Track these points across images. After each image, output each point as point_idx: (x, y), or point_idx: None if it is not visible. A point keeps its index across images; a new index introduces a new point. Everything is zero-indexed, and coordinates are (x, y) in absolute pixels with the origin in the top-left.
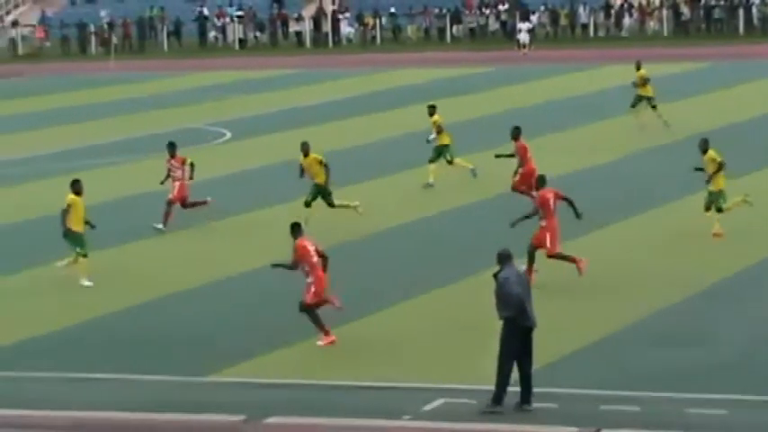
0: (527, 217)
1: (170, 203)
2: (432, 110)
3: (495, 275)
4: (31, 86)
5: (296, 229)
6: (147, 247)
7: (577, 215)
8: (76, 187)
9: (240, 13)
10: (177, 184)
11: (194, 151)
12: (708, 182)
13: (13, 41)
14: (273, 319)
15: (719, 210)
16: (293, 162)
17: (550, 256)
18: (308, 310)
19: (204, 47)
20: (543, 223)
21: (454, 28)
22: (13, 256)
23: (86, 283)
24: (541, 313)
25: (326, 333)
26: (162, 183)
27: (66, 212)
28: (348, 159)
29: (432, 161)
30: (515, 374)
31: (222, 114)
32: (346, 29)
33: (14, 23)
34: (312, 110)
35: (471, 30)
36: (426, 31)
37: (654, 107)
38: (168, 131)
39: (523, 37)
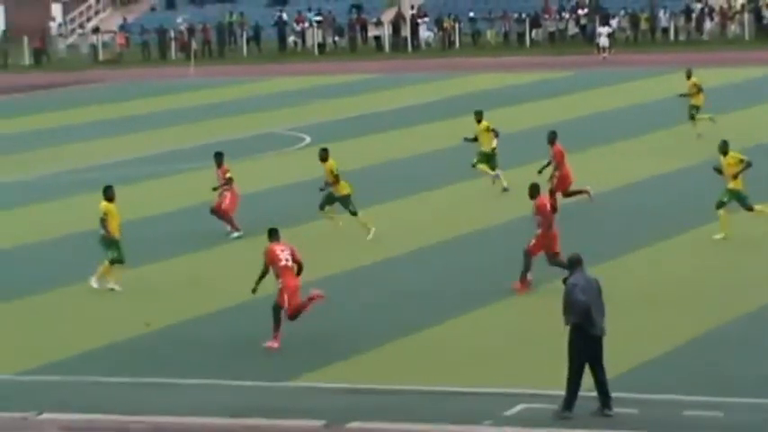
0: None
1: (222, 212)
2: (479, 116)
3: (565, 281)
4: (112, 92)
5: (272, 233)
6: (225, 253)
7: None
8: (109, 194)
9: (319, 18)
10: (227, 193)
11: (274, 156)
12: (735, 177)
13: (93, 48)
14: (353, 324)
15: (750, 209)
16: (369, 168)
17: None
18: (276, 309)
19: (283, 52)
20: (539, 231)
21: (533, 32)
22: (94, 261)
23: (115, 287)
24: (621, 320)
25: (275, 337)
26: (215, 189)
27: (104, 221)
28: (427, 164)
29: (492, 168)
30: (590, 380)
31: (301, 119)
32: (425, 33)
33: (95, 30)
34: (391, 114)
35: (551, 34)
36: (505, 35)
37: (692, 117)
38: (248, 136)
39: (603, 41)
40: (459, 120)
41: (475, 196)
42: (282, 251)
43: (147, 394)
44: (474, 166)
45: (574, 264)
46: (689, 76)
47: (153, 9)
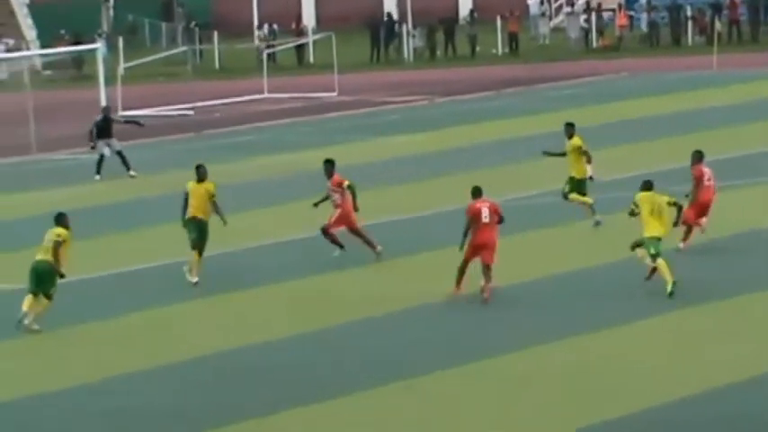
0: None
1: (324, 231)
2: (570, 130)
3: None
4: (608, 89)
5: None
6: None
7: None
8: (63, 221)
9: None
10: (338, 210)
11: None
12: None
13: (585, 31)
14: None
15: None
16: None
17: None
18: None
19: None
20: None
21: None
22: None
23: (35, 326)
24: None
25: None
26: (315, 205)
27: (57, 246)
28: None
29: (582, 195)
30: None
31: None
32: None
33: (588, 8)
34: None
35: None
36: None
37: None
38: None
39: None
40: None
41: None
42: None
43: None
44: (565, 197)
45: None
46: None
47: None
